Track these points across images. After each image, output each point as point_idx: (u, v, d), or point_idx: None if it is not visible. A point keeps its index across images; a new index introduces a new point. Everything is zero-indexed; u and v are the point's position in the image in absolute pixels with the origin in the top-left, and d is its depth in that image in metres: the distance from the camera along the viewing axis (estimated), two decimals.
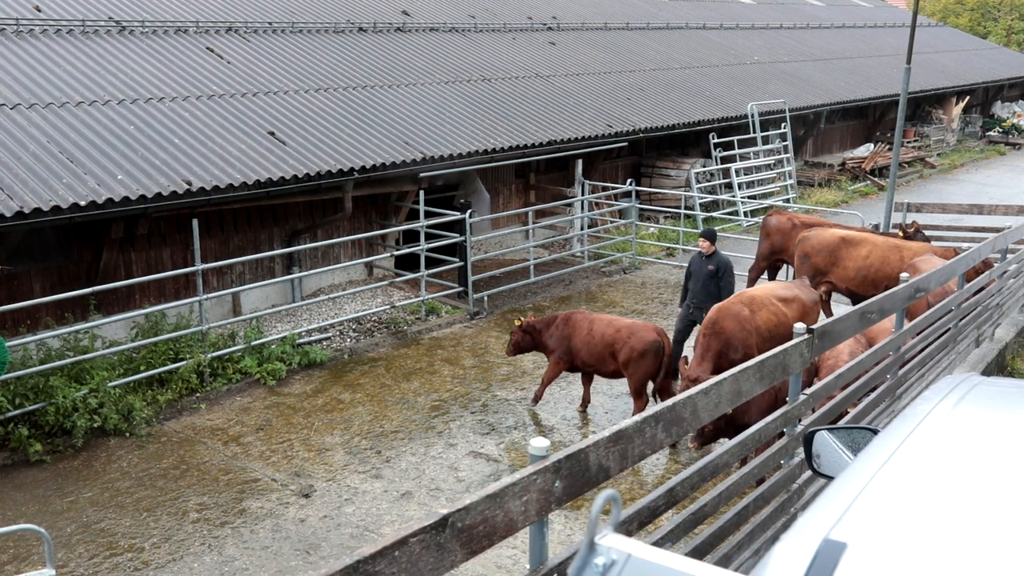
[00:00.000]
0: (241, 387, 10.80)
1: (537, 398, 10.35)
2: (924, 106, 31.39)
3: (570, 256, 16.73)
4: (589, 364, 10.01)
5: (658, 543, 4.04)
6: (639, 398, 9.74)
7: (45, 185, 9.94)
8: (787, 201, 20.90)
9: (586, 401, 10.25)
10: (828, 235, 12.30)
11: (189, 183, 10.93)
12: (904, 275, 7.60)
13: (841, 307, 12.42)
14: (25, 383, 9.40)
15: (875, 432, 3.50)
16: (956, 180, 25.98)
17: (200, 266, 10.78)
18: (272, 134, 12.70)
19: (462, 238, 13.69)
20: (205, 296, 10.99)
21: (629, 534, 3.49)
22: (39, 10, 13.74)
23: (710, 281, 10.76)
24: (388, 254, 14.82)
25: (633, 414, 9.85)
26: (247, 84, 13.92)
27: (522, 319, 10.34)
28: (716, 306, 9.58)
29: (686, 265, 11.25)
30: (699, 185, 19.56)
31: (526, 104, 16.88)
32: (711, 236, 10.99)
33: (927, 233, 13.29)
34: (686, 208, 18.46)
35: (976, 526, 2.36)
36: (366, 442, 9.47)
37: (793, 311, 9.61)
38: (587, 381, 10.22)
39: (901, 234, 12.58)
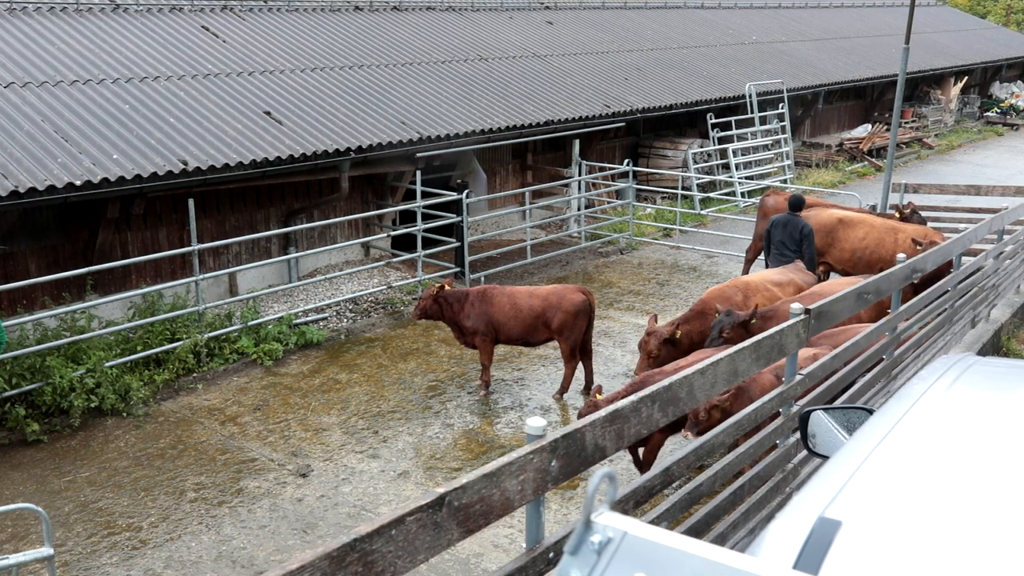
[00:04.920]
0: (238, 367, 10.81)
1: (486, 384, 10.13)
2: (922, 86, 31.30)
3: (567, 237, 16.72)
4: (515, 338, 10.01)
5: (654, 522, 4.06)
6: (571, 360, 9.89)
7: (40, 164, 9.90)
8: (784, 182, 20.89)
9: (589, 383, 10.24)
10: (825, 216, 12.28)
11: (185, 163, 10.89)
12: (901, 256, 7.60)
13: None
14: (22, 363, 9.39)
15: (871, 412, 3.51)
16: (954, 161, 25.95)
17: (196, 246, 10.76)
18: (268, 114, 12.64)
19: (459, 218, 13.67)
20: (201, 276, 10.98)
21: (625, 513, 3.51)
22: None
23: None
24: (385, 234, 14.82)
25: (565, 378, 9.95)
26: (243, 63, 13.84)
27: (434, 285, 10.09)
28: (711, 288, 9.69)
29: (813, 236, 11.50)
30: (696, 165, 19.52)
31: (523, 84, 16.81)
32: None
33: (924, 214, 13.28)
34: (683, 189, 18.43)
35: (971, 505, 2.37)
36: (363, 422, 9.49)
37: (788, 295, 9.61)
38: (587, 363, 10.22)
39: (898, 215, 12.58)
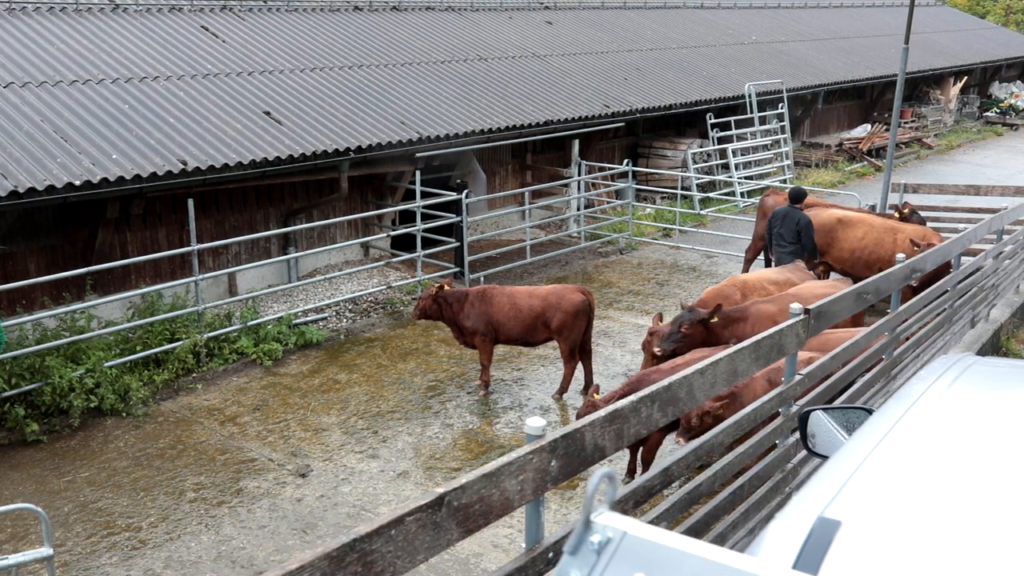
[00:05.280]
0: (237, 367, 10.81)
1: (486, 384, 10.13)
2: (922, 87, 31.30)
3: (567, 237, 16.72)
4: (514, 338, 10.00)
5: (654, 522, 4.06)
6: (571, 360, 9.89)
7: (39, 164, 9.90)
8: (784, 182, 20.89)
9: (589, 383, 10.23)
10: (825, 215, 12.30)
11: (184, 162, 10.89)
12: (900, 256, 7.61)
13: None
14: (21, 363, 9.39)
15: (870, 412, 3.51)
16: (953, 161, 25.95)
17: (196, 246, 10.75)
18: (268, 113, 12.64)
19: (458, 218, 13.67)
20: (201, 276, 10.97)
21: (625, 513, 3.51)
22: None
23: None
24: (384, 234, 14.82)
25: (564, 378, 9.94)
26: (242, 63, 13.84)
27: (433, 285, 10.11)
28: (710, 288, 9.77)
29: (811, 228, 11.67)
30: (696, 166, 19.52)
31: (523, 84, 16.81)
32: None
33: (923, 215, 13.28)
34: (683, 189, 18.44)
35: (970, 505, 2.37)
36: (363, 422, 9.49)
37: None
38: (587, 363, 10.21)
39: (897, 216, 12.58)
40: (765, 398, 5.13)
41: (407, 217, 14.56)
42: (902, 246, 11.13)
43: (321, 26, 16.30)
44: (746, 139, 21.06)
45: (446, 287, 10.07)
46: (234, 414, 9.68)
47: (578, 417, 7.23)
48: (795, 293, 8.81)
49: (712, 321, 8.48)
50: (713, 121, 20.27)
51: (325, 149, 12.24)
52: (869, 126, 27.52)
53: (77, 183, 9.85)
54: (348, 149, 12.51)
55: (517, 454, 3.04)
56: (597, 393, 7.48)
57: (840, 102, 28.13)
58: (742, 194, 19.61)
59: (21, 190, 9.40)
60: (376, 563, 2.52)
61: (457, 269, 13.98)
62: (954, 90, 31.57)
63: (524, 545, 3.34)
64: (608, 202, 18.02)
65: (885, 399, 5.71)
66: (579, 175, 17.29)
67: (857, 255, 11.89)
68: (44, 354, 9.55)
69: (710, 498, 4.84)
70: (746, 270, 13.42)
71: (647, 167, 19.58)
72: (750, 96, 20.77)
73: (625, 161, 17.13)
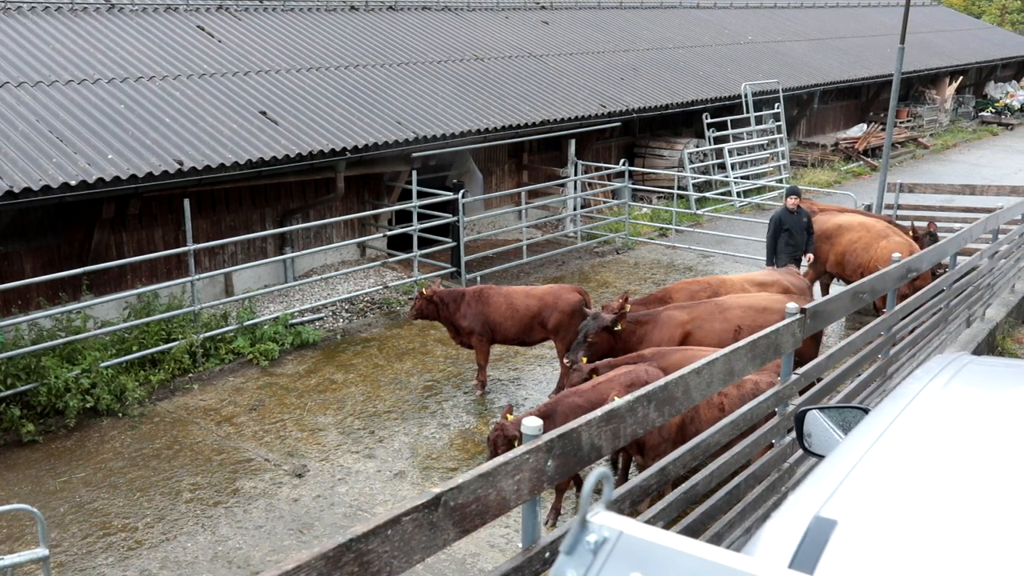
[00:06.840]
0: (234, 367, 10.79)
1: (482, 384, 10.12)
2: (917, 86, 31.34)
3: (563, 236, 16.72)
4: (511, 337, 9.99)
5: (650, 522, 4.06)
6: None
7: (35, 165, 9.88)
8: (780, 182, 20.90)
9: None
10: (829, 223, 12.39)
11: (180, 162, 10.88)
12: (896, 255, 7.62)
13: (836, 288, 12.49)
14: (17, 363, 9.36)
15: (866, 411, 3.51)
16: (949, 160, 25.99)
17: (192, 246, 10.74)
18: (264, 113, 12.63)
19: (455, 218, 13.66)
20: (197, 276, 10.96)
21: (621, 513, 3.51)
22: None
23: (803, 232, 11.78)
24: (381, 234, 14.81)
25: (561, 377, 9.90)
26: (238, 63, 13.83)
27: (429, 285, 10.13)
28: (681, 282, 9.91)
29: (769, 223, 11.98)
30: (692, 165, 19.53)
31: (519, 84, 16.80)
32: (799, 192, 12.09)
33: (919, 214, 13.26)
34: (679, 188, 18.44)
35: (966, 504, 2.37)
36: (359, 422, 9.48)
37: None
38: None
39: (911, 235, 12.34)
40: (765, 396, 5.13)
41: (403, 217, 14.55)
42: (882, 257, 11.09)
43: (317, 26, 16.29)
44: (742, 139, 21.07)
45: (435, 288, 10.05)
46: (230, 414, 9.66)
47: (488, 441, 6.76)
48: (718, 302, 8.82)
49: (617, 329, 8.39)
50: (709, 121, 20.28)
51: (321, 149, 12.23)
52: (865, 126, 27.54)
53: (73, 183, 9.83)
54: (344, 149, 12.50)
55: (514, 454, 3.04)
56: (510, 414, 6.93)
57: (836, 102, 28.16)
58: (738, 194, 19.62)
59: (16, 190, 9.38)
60: (373, 563, 2.52)
61: (453, 269, 13.97)
62: (950, 90, 31.61)
63: (521, 545, 3.34)
64: (604, 202, 18.02)
65: (881, 398, 5.71)
66: (575, 175, 17.29)
67: (847, 258, 11.98)
68: (40, 354, 9.53)
69: (707, 498, 4.84)
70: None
71: (643, 167, 19.59)
72: (746, 96, 20.78)
73: (621, 161, 17.12)
